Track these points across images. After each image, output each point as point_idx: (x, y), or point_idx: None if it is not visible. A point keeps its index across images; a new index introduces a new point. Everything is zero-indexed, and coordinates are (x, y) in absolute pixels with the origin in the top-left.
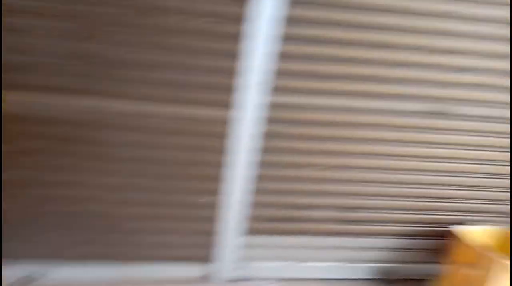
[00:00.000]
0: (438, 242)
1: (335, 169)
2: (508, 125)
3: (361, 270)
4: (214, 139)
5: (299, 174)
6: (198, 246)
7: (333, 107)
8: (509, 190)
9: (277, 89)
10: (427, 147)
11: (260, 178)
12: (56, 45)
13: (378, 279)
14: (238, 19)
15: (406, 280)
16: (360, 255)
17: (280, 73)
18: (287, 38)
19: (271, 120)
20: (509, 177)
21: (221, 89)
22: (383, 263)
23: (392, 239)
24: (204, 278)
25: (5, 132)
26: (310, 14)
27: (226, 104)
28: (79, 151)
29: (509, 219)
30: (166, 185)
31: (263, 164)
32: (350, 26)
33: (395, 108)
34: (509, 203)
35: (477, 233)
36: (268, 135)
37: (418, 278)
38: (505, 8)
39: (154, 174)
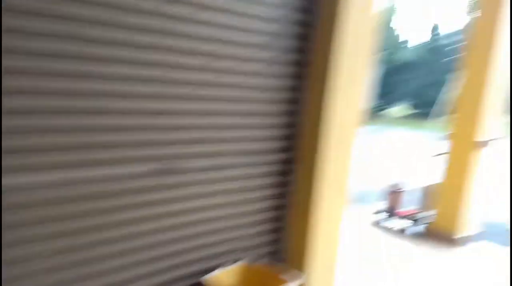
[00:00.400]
0: None
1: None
2: (232, 172)
3: None
4: None
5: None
6: None
7: (52, 183)
8: (244, 228)
9: None
10: (162, 206)
11: None
12: None
13: None
14: None
15: None
16: None
17: None
18: None
19: None
20: (242, 218)
21: None
22: None
23: None
24: None
25: None
26: None
27: None
28: None
29: (250, 254)
30: None
31: None
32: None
33: (119, 173)
34: (247, 240)
35: (224, 276)
36: None
37: None
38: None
39: None
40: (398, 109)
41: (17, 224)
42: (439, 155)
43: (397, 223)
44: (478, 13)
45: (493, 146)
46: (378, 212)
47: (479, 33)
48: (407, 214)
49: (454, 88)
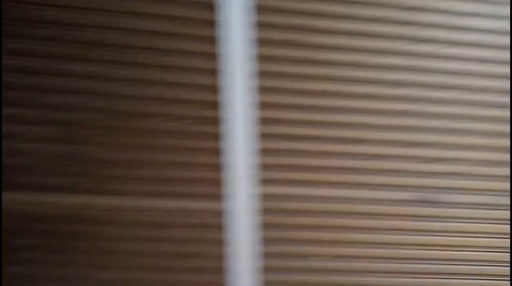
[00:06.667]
0: None
1: (335, 259)
2: (506, 212)
3: None
4: (211, 232)
5: (303, 265)
6: None
7: (326, 197)
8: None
9: (266, 182)
10: (421, 235)
11: (266, 269)
12: (50, 148)
13: None
14: (216, 122)
15: None
16: None
17: (267, 167)
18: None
19: (266, 211)
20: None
21: (210, 182)
22: None
23: None
24: None
25: (6, 230)
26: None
27: (217, 197)
28: (78, 246)
29: None
30: (167, 278)
31: (266, 255)
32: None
33: (386, 197)
34: None
35: None
36: (266, 226)
37: None
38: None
39: (153, 267)
40: None
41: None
42: None
43: None
44: None
45: None
46: None
47: None
48: None
49: None
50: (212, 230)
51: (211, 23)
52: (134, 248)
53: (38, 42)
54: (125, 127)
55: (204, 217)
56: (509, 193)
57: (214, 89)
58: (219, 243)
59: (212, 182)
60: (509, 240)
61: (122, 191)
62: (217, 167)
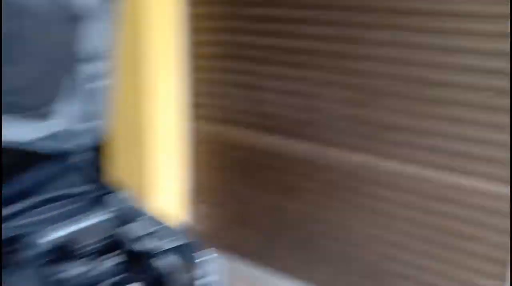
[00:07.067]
0: None
1: None
2: None
3: None
4: (495, 217)
5: None
6: None
7: None
8: None
9: None
10: None
11: None
12: (338, 109)
13: None
14: None
15: None
16: None
17: None
18: None
19: None
20: None
21: (500, 163)
22: None
23: None
24: None
25: (297, 174)
26: None
27: (506, 180)
28: (348, 199)
29: None
30: (436, 253)
31: None
32: None
33: None
34: None
35: None
36: None
37: None
38: None
39: (424, 238)
40: None
41: None
42: None
43: None
44: None
45: None
46: None
47: None
48: None
49: None
50: (496, 216)
51: None
52: (406, 215)
53: (336, 11)
54: (415, 95)
55: (489, 200)
56: None
57: None
58: (503, 231)
59: (502, 163)
60: None
61: (404, 157)
62: (510, 147)
